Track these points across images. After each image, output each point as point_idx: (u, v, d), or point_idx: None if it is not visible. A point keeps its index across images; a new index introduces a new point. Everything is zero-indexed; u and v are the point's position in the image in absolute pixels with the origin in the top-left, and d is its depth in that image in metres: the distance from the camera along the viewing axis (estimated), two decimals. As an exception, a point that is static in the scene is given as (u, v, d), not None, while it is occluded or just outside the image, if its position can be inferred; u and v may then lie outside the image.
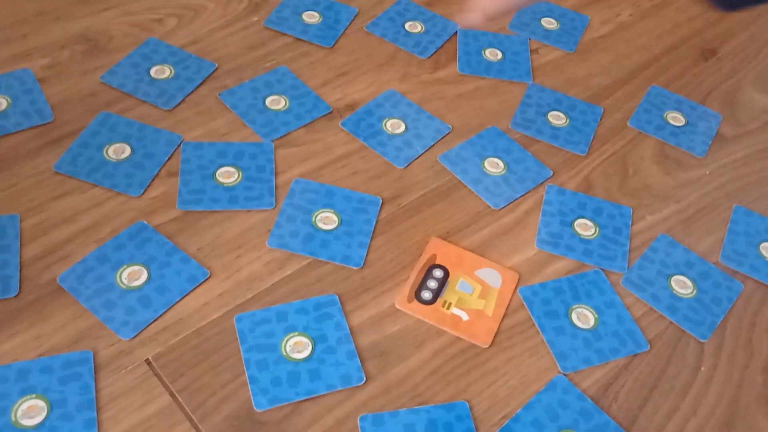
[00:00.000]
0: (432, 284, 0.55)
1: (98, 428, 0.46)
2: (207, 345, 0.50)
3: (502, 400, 0.50)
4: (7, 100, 0.63)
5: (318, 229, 0.58)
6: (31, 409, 0.46)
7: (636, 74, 0.76)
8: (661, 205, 0.64)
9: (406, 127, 0.67)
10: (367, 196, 0.61)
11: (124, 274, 0.53)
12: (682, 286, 0.57)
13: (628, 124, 0.70)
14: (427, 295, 0.55)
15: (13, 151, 0.60)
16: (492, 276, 0.57)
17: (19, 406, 0.46)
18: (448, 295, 0.55)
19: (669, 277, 0.58)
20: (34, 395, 0.46)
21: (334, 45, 0.74)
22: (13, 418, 0.45)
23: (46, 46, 0.69)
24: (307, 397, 0.48)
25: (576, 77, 0.75)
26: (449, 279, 0.56)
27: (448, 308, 0.54)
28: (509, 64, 0.75)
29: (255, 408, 0.47)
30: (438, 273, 0.56)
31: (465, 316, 0.54)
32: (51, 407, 0.46)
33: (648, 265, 0.58)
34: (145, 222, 0.56)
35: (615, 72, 0.76)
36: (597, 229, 0.61)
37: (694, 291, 0.57)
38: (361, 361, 0.51)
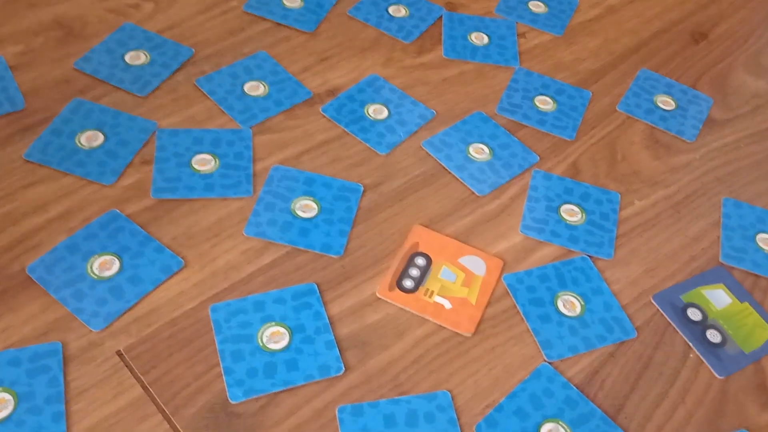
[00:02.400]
0: (414, 272, 0.54)
1: (67, 421, 0.44)
2: (181, 336, 0.49)
3: (485, 390, 0.49)
4: (-22, 88, 0.62)
5: (297, 217, 0.56)
6: (-3, 403, 0.44)
7: (625, 58, 0.74)
8: (649, 190, 0.62)
9: (389, 113, 0.65)
10: (348, 183, 0.59)
11: (96, 264, 0.51)
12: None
13: (616, 108, 0.69)
14: (408, 283, 0.53)
15: (-16, 140, 0.58)
16: (476, 263, 0.55)
17: (-16, 400, 0.44)
18: (430, 283, 0.53)
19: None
20: (1, 388, 0.45)
21: (315, 30, 0.72)
22: (-21, 413, 0.44)
23: (18, 32, 0.67)
24: (284, 388, 0.47)
25: (564, 61, 0.73)
26: (432, 267, 0.54)
27: (430, 296, 0.53)
28: (495, 49, 0.73)
29: (230, 400, 0.46)
30: (420, 261, 0.55)
31: (448, 305, 0.52)
32: (18, 400, 0.45)
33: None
34: (118, 211, 0.55)
35: (604, 56, 0.74)
36: (584, 214, 0.59)
37: None
38: (340, 351, 0.49)
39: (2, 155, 0.57)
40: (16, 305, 0.49)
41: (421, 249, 0.55)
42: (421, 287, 0.53)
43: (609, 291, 0.55)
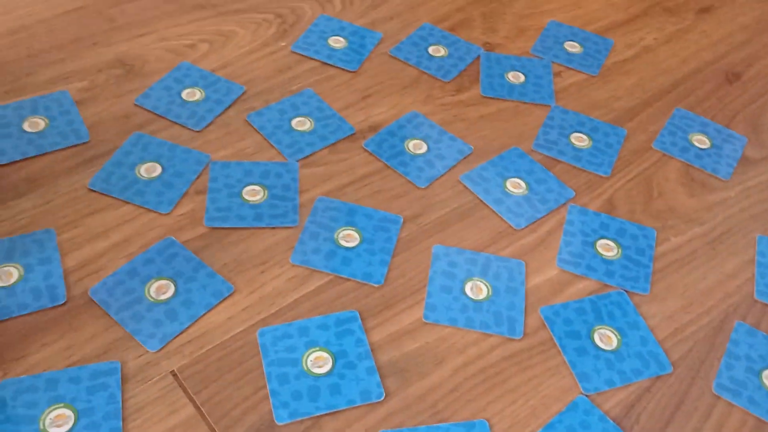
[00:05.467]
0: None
1: (123, 437, 0.47)
2: (230, 358, 0.51)
3: (522, 420, 0.50)
4: (45, 121, 0.66)
5: (340, 247, 0.59)
6: (58, 418, 0.47)
7: (660, 97, 0.76)
8: (685, 227, 0.64)
9: (428, 148, 0.68)
10: (389, 214, 0.62)
11: (153, 288, 0.54)
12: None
13: (652, 146, 0.71)
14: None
15: (50, 169, 0.62)
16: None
17: (47, 414, 0.47)
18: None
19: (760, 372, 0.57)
20: (62, 404, 0.48)
21: (358, 69, 0.75)
22: (41, 427, 0.47)
23: (83, 69, 0.72)
24: (327, 412, 0.49)
25: (599, 100, 0.75)
26: (470, 297, 0.56)
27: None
28: (532, 87, 0.75)
29: (276, 421, 0.48)
30: (459, 291, 0.57)
31: (485, 335, 0.54)
32: (78, 416, 0.47)
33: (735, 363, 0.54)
34: (174, 238, 0.58)
35: (639, 95, 0.76)
36: (620, 249, 0.61)
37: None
38: (380, 377, 0.51)
39: (68, 184, 0.61)
40: (78, 325, 0.52)
41: (459, 280, 0.57)
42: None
43: (645, 325, 0.56)
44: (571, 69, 0.78)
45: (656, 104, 0.75)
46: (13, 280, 0.54)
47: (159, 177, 0.62)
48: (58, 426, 0.47)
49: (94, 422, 0.47)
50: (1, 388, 0.48)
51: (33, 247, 0.56)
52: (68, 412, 0.47)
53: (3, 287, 0.53)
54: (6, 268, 0.54)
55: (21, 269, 0.54)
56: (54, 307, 0.53)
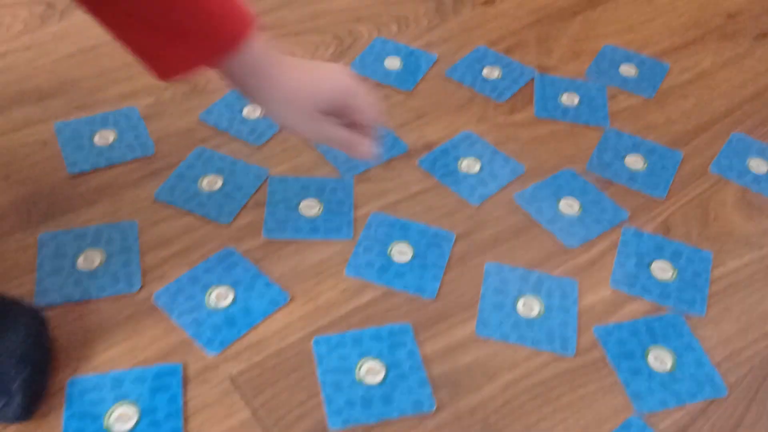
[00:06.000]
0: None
1: (182, 437, 0.48)
2: (286, 365, 0.53)
3: (573, 437, 0.50)
4: (114, 134, 0.69)
5: (393, 261, 0.60)
6: (122, 416, 0.49)
7: (717, 121, 0.75)
8: (742, 250, 0.63)
9: (481, 167, 0.69)
10: (441, 231, 0.62)
11: (213, 295, 0.56)
12: None
13: (709, 169, 0.70)
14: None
15: (118, 181, 0.65)
16: (565, 313, 0.57)
17: (112, 412, 0.49)
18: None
19: None
20: (126, 402, 0.50)
21: (413, 89, 0.77)
22: (106, 423, 0.49)
23: (150, 87, 0.75)
24: (379, 420, 0.50)
25: (655, 123, 0.75)
26: (522, 314, 0.57)
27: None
28: (586, 109, 0.76)
29: (329, 427, 0.49)
30: (511, 308, 0.57)
31: (537, 351, 0.54)
32: (141, 415, 0.49)
33: None
34: (233, 248, 0.60)
35: (695, 118, 0.76)
36: (675, 272, 0.60)
37: None
38: (432, 389, 0.52)
39: (134, 195, 0.64)
40: (142, 329, 0.54)
41: (511, 297, 0.58)
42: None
43: (701, 348, 0.55)
44: (625, 92, 0.79)
45: (713, 128, 0.75)
46: (95, 264, 0.57)
47: (220, 190, 0.65)
48: (122, 423, 0.49)
49: (156, 421, 0.49)
50: (70, 385, 0.50)
51: (116, 235, 0.60)
52: (132, 411, 0.49)
53: (86, 270, 0.57)
54: (89, 253, 0.58)
55: (104, 254, 0.58)
56: (118, 311, 0.55)
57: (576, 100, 0.77)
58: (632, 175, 0.69)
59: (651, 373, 0.53)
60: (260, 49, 0.49)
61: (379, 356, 0.53)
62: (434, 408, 0.50)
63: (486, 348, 0.55)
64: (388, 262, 0.60)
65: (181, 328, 0.54)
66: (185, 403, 0.50)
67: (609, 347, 0.55)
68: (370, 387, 0.51)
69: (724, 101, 0.78)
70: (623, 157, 0.71)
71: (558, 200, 0.66)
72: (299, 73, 0.51)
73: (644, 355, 0.54)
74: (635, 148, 0.72)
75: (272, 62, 0.50)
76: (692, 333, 0.56)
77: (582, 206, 0.66)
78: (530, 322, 0.56)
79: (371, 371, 0.52)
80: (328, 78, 0.52)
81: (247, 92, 0.52)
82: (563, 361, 0.54)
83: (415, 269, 0.59)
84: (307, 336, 0.54)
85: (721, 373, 0.53)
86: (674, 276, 0.60)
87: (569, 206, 0.66)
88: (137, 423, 0.49)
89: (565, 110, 0.76)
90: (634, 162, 0.70)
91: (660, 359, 0.54)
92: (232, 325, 0.54)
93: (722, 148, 0.72)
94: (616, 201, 0.66)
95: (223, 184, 0.65)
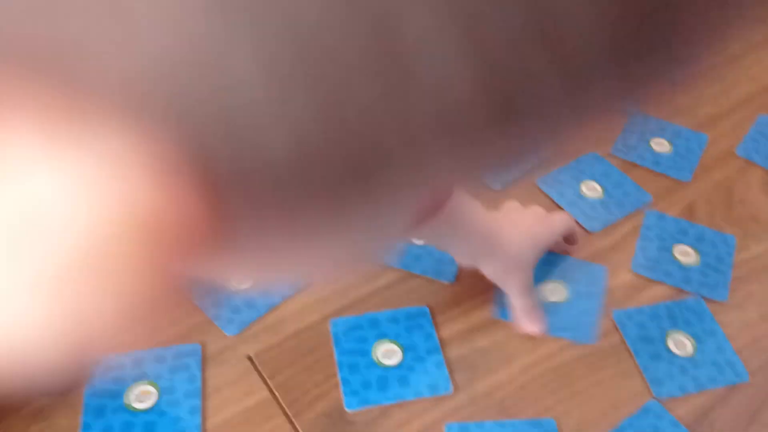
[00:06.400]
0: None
1: (202, 414, 0.49)
2: (304, 346, 0.53)
3: (590, 421, 0.49)
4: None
5: (412, 244, 0.60)
6: (143, 394, 0.50)
7: (745, 104, 0.74)
8: (767, 235, 0.62)
9: (503, 150, 0.68)
10: (462, 214, 0.62)
11: (232, 277, 0.57)
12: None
13: (735, 152, 0.69)
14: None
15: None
16: (584, 297, 0.56)
17: (132, 390, 0.50)
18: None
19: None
20: (146, 381, 0.51)
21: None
22: (127, 401, 0.50)
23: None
24: (396, 402, 0.50)
25: (682, 106, 0.74)
26: (540, 298, 0.56)
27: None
28: (610, 92, 0.75)
29: (346, 408, 0.49)
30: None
31: (555, 335, 0.54)
32: (161, 393, 0.50)
33: None
34: (253, 230, 0.60)
35: (723, 101, 0.74)
36: (698, 256, 0.59)
37: None
38: (449, 371, 0.52)
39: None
40: (162, 310, 0.55)
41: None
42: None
43: (722, 333, 0.54)
44: (650, 74, 0.77)
45: (740, 111, 0.73)
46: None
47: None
48: (142, 401, 0.50)
49: (176, 399, 0.50)
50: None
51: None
52: (152, 389, 0.50)
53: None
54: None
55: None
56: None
57: (600, 82, 0.76)
58: (657, 158, 0.68)
59: (671, 358, 0.53)
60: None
61: (396, 338, 0.53)
62: (451, 390, 0.50)
63: (504, 331, 0.54)
64: (408, 245, 0.60)
65: (201, 310, 0.55)
66: (204, 383, 0.51)
67: (627, 331, 0.54)
68: (387, 369, 0.52)
69: (753, 84, 0.76)
70: (648, 140, 0.69)
71: (580, 183, 0.65)
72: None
73: (664, 340, 0.54)
74: (661, 131, 0.70)
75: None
76: (714, 318, 0.55)
77: (605, 189, 0.65)
78: (554, 307, 0.56)
79: (388, 353, 0.52)
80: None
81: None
82: (581, 346, 0.54)
83: (434, 252, 0.59)
84: (324, 318, 0.55)
85: (743, 359, 0.53)
86: (697, 260, 0.59)
87: (592, 190, 0.65)
88: (157, 401, 0.50)
89: (589, 93, 0.74)
90: (660, 145, 0.69)
91: (680, 344, 0.53)
92: (251, 306, 0.55)
93: (749, 131, 0.70)
94: (639, 184, 0.65)
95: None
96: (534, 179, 0.65)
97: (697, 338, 0.54)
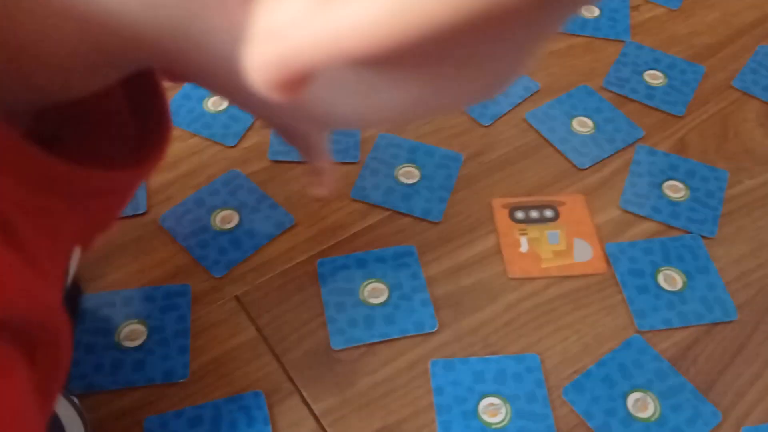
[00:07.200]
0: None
1: (190, 354, 0.50)
2: (290, 286, 0.53)
3: (574, 356, 0.50)
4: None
5: (399, 183, 0.59)
6: (133, 333, 0.51)
7: (744, 33, 0.71)
8: (761, 169, 0.61)
9: (493, 85, 0.67)
10: (449, 152, 0.61)
11: (218, 217, 0.57)
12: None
13: (731, 84, 0.67)
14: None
15: (125, 103, 0.65)
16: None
17: (122, 329, 0.51)
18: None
19: None
20: (136, 320, 0.51)
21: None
22: (117, 339, 0.50)
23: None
24: (381, 340, 0.50)
25: (678, 35, 0.71)
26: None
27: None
28: (606, 21, 0.72)
29: (332, 347, 0.50)
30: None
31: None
32: (150, 332, 0.51)
33: None
34: (239, 170, 0.60)
35: (721, 30, 0.72)
36: (688, 191, 0.59)
37: None
38: (434, 309, 0.52)
39: (140, 117, 0.64)
40: (149, 249, 0.55)
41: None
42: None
43: (716, 271, 0.54)
44: (650, 2, 0.74)
45: (739, 40, 0.71)
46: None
47: (225, 110, 0.64)
48: (132, 340, 0.50)
49: (165, 339, 0.50)
50: (83, 300, 0.52)
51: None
52: (141, 328, 0.51)
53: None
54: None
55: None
56: (123, 233, 0.56)
57: (596, 11, 0.73)
58: (651, 92, 0.66)
59: (658, 293, 0.53)
60: None
61: (383, 278, 0.54)
62: (436, 328, 0.51)
63: (490, 270, 0.54)
64: (395, 184, 0.59)
65: (187, 251, 0.55)
66: (192, 323, 0.51)
67: (618, 264, 0.54)
68: (373, 307, 0.52)
69: (753, 12, 0.73)
70: (642, 73, 0.68)
71: (571, 119, 0.64)
72: None
73: (654, 275, 0.54)
74: (655, 63, 0.69)
75: None
76: (709, 256, 0.55)
77: (596, 125, 0.64)
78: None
79: (375, 292, 0.53)
80: None
81: None
82: (568, 282, 0.54)
83: (422, 192, 0.59)
84: (311, 258, 0.55)
85: (730, 293, 0.53)
86: (686, 195, 0.58)
87: (583, 125, 0.64)
88: (146, 340, 0.50)
89: (584, 22, 0.72)
90: (654, 77, 0.67)
91: (669, 279, 0.53)
92: (237, 247, 0.55)
93: (747, 61, 0.68)
94: (632, 119, 0.64)
95: (228, 105, 0.64)
96: (523, 114, 0.64)
97: (688, 275, 0.54)
